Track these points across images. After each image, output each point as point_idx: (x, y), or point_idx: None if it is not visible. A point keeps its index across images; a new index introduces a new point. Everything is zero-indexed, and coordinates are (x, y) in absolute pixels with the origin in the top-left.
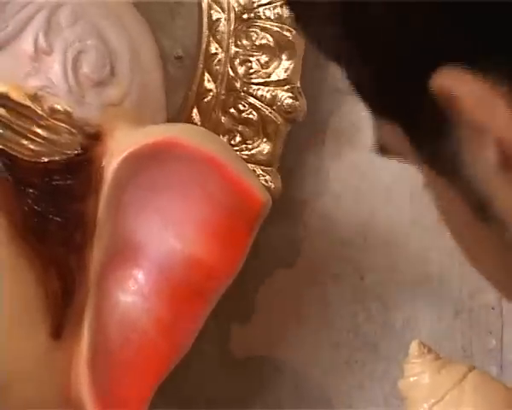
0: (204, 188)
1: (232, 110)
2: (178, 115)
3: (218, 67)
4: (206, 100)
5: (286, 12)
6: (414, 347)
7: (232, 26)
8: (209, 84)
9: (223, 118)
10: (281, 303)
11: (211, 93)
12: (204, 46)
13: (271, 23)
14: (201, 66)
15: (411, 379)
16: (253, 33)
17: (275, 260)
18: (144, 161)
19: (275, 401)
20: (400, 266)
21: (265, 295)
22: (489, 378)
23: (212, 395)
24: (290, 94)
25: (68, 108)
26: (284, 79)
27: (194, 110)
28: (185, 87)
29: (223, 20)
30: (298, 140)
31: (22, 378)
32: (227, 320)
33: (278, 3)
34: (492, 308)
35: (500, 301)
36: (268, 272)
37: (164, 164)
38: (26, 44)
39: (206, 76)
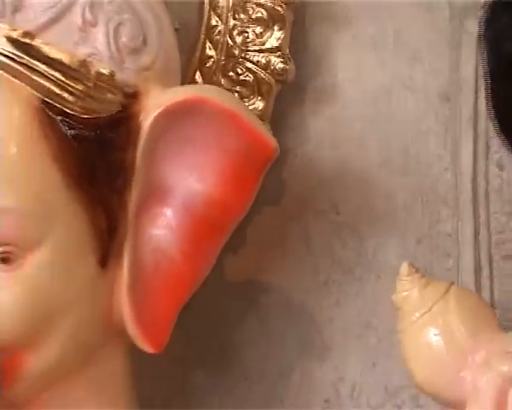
0: (224, 139)
1: (231, 73)
2: (183, 79)
3: (218, 37)
4: (207, 65)
5: None
6: (404, 267)
7: (231, 2)
8: (210, 52)
9: (222, 80)
10: (268, 236)
11: (212, 59)
12: (205, 19)
13: None
14: (203, 36)
15: (403, 294)
16: (249, 8)
17: (263, 199)
18: (175, 116)
19: (263, 318)
20: (371, 202)
21: (255, 229)
22: (467, 291)
23: (209, 312)
24: (281, 59)
25: (111, 72)
26: (276, 47)
27: (197, 74)
28: (184, 56)
29: None
30: (283, 99)
31: (78, 300)
32: (222, 251)
33: None
34: (449, 235)
35: (456, 230)
36: (257, 209)
37: (191, 118)
38: (76, 17)
39: (208, 44)
